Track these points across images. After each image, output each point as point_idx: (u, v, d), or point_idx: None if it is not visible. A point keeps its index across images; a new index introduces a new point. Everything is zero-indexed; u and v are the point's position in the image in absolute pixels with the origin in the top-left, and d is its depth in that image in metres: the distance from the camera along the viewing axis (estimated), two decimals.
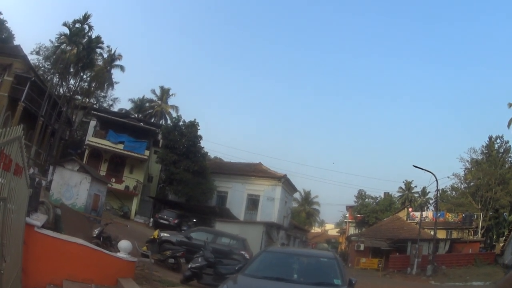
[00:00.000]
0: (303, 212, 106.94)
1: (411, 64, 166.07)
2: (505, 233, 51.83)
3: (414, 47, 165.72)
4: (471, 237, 59.35)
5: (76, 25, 59.98)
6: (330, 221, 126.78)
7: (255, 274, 9.42)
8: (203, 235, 27.33)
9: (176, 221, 42.64)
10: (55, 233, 14.14)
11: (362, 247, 56.00)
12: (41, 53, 68.41)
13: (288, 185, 61.35)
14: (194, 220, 45.48)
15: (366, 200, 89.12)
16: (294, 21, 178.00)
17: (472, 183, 61.60)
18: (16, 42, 67.12)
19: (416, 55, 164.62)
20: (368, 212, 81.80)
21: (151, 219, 45.78)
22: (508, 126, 60.18)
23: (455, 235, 62.62)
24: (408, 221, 66.15)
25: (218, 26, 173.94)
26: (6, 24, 72.13)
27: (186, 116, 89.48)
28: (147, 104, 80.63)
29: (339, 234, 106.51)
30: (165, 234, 28.31)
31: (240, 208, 54.34)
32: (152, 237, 28.28)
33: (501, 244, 50.72)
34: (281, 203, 57.17)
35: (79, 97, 67.86)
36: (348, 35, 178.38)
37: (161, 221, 42.19)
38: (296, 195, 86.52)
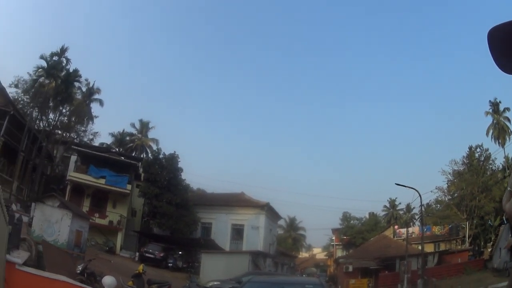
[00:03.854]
0: (289, 238, 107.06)
1: (389, 79, 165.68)
2: (492, 238, 53.25)
3: (393, 61, 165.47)
4: (459, 247, 60.31)
5: (54, 58, 59.52)
6: (317, 245, 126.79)
7: None
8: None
9: (162, 255, 42.67)
10: (37, 271, 14.03)
11: (350, 269, 56.17)
12: (19, 86, 67.53)
13: (271, 213, 61.44)
14: (180, 252, 45.58)
15: (351, 221, 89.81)
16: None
17: (455, 194, 62.92)
18: None
19: (394, 69, 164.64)
20: (354, 234, 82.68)
21: (137, 253, 45.32)
22: (487, 134, 63.14)
23: (443, 247, 63.71)
24: (395, 238, 66.87)
25: (191, 59, 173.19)
26: None
27: (168, 149, 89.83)
28: (127, 138, 79.95)
29: (327, 257, 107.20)
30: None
31: (225, 239, 54.05)
32: (137, 271, 28.34)
33: (489, 250, 52.28)
34: (266, 231, 57.17)
35: (59, 132, 66.95)
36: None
37: (147, 255, 42.19)
38: (281, 221, 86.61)
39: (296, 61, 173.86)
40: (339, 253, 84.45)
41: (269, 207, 58.61)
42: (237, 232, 56.15)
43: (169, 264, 42.34)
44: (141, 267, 29.66)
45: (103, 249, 43.89)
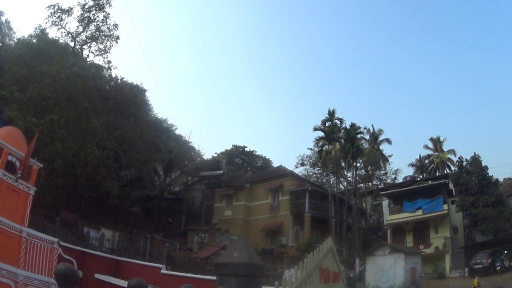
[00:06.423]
0: None
1: None
2: None
3: None
4: None
5: (327, 124, 64.35)
6: None
7: None
8: None
9: (489, 261, 42.06)
10: None
11: None
12: (305, 163, 74.32)
13: None
14: (505, 251, 43.95)
15: None
16: None
17: None
18: (274, 165, 77.54)
19: None
20: None
21: (466, 269, 45.01)
22: None
23: None
24: None
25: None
26: (256, 153, 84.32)
27: (465, 153, 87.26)
28: (426, 161, 79.67)
29: None
30: None
31: None
32: (472, 286, 30.35)
33: None
34: None
35: (362, 185, 71.65)
36: None
37: (475, 266, 42.06)
38: None
39: None
40: None
41: None
42: None
43: (497, 268, 41.15)
44: (475, 281, 31.01)
45: (433, 276, 45.65)
